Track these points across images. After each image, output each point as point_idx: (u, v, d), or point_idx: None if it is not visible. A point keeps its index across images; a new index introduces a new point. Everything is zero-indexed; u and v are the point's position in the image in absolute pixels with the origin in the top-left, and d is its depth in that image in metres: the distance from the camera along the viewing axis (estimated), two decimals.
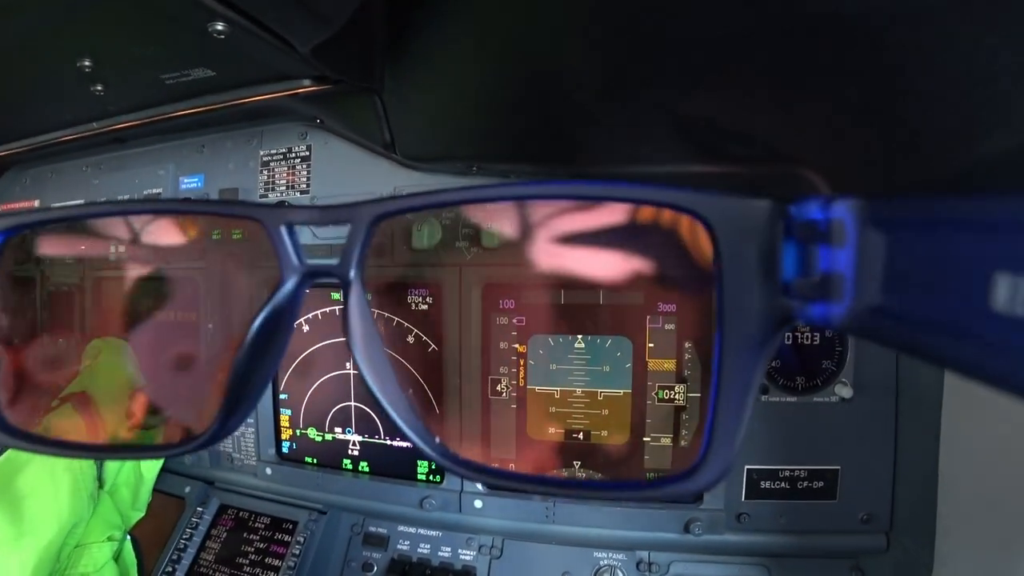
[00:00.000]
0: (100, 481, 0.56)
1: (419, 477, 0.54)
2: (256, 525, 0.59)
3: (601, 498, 0.22)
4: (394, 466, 0.55)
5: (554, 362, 0.48)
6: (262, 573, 0.55)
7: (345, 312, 0.19)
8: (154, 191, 0.61)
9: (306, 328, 0.56)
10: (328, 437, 0.57)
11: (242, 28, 0.31)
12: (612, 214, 0.20)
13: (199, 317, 0.47)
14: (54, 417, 0.42)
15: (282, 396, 0.58)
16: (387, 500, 0.55)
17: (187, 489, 0.62)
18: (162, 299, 0.43)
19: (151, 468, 0.60)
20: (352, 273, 0.19)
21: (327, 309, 0.55)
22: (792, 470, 0.47)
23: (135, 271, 0.41)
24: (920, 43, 0.21)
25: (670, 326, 0.46)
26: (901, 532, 0.45)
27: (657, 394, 0.46)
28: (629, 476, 0.48)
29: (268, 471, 0.59)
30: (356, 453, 0.56)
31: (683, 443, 0.46)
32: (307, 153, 0.57)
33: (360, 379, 0.19)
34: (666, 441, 0.47)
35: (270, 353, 0.22)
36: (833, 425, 0.46)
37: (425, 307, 0.52)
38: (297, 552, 0.55)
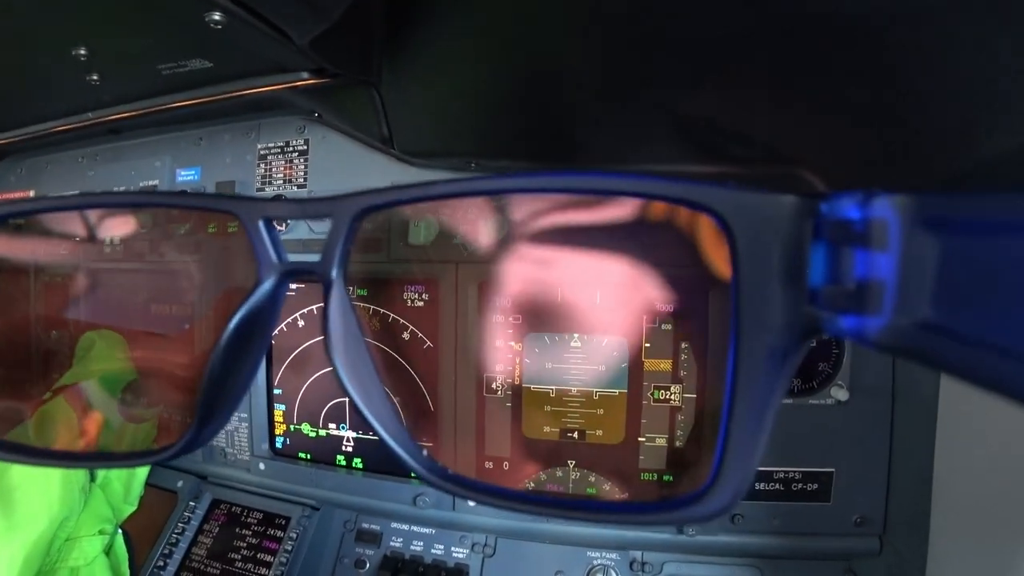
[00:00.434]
0: (92, 475, 0.56)
1: (413, 474, 0.54)
2: (249, 520, 0.58)
3: (602, 522, 0.21)
4: (388, 463, 0.55)
5: (550, 361, 0.48)
6: (254, 568, 0.55)
7: (325, 313, 0.18)
8: (150, 183, 0.61)
9: (301, 323, 0.56)
10: (322, 433, 0.57)
11: (239, 19, 0.31)
12: (613, 209, 0.20)
13: (180, 315, 0.46)
14: (47, 409, 0.42)
15: (276, 391, 0.58)
16: (380, 497, 0.54)
17: (179, 483, 0.62)
18: (148, 294, 0.42)
19: None
20: (334, 272, 0.18)
21: (323, 304, 0.55)
22: (786, 472, 0.47)
23: (120, 264, 0.40)
24: (920, 43, 0.21)
25: (667, 327, 0.46)
26: (894, 535, 0.45)
27: (653, 394, 0.46)
28: (624, 478, 0.48)
29: (261, 466, 0.58)
30: (350, 449, 0.56)
31: (678, 444, 0.46)
32: (305, 147, 0.57)
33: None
34: (661, 441, 0.46)
35: (248, 357, 0.20)
36: (828, 428, 0.46)
37: (421, 304, 0.52)
38: (290, 548, 0.55)
